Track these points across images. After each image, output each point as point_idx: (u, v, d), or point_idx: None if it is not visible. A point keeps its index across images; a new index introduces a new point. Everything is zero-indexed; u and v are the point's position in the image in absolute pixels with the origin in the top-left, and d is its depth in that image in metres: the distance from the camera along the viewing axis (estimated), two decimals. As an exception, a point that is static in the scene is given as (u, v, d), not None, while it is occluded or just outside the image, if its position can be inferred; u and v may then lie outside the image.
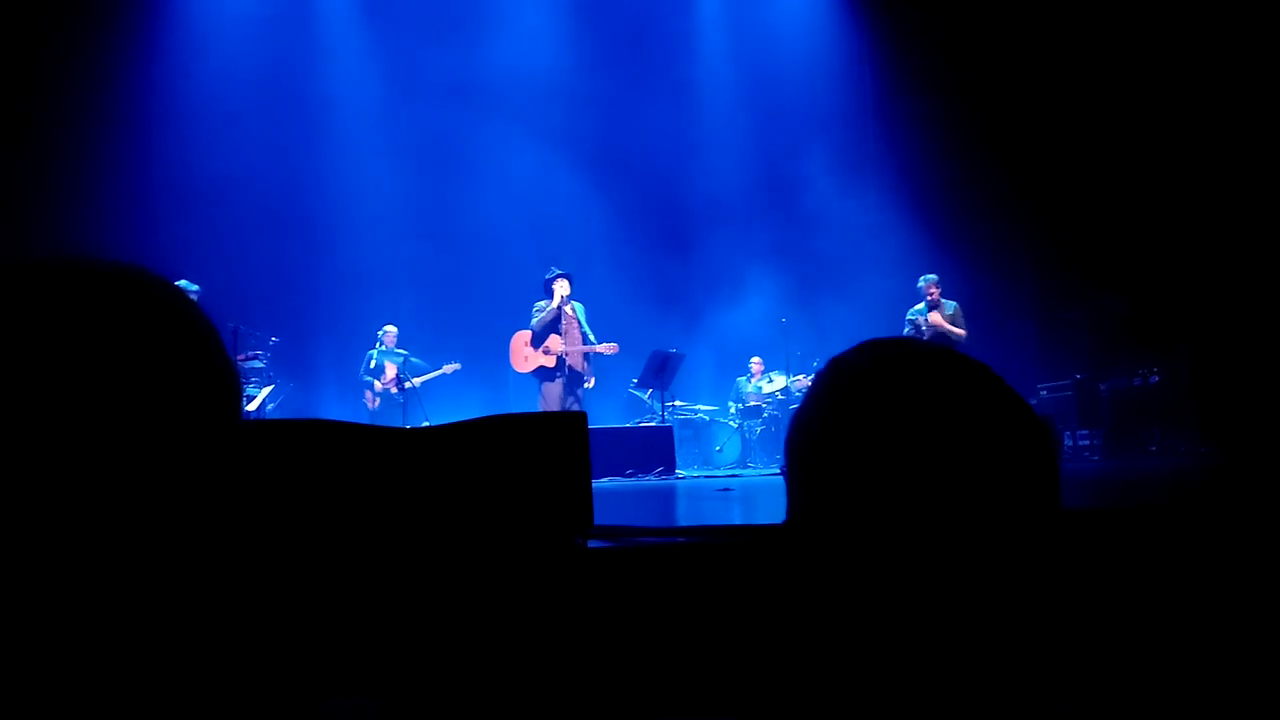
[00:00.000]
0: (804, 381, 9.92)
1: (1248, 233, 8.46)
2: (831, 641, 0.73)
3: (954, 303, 8.88)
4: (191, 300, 0.68)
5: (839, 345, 0.80)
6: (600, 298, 9.20)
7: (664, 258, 10.98)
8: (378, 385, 9.40)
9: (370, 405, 9.40)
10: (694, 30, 11.83)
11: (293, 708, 0.71)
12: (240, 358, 8.03)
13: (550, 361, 8.16)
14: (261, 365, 8.36)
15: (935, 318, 8.68)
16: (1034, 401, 9.27)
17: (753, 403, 10.34)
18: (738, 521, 2.73)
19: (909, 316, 8.88)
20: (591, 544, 2.12)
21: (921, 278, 8.94)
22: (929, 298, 8.77)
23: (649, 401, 9.80)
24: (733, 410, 10.50)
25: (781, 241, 10.91)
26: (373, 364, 9.49)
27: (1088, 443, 8.93)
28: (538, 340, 8.22)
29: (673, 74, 11.54)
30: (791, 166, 11.09)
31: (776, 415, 10.08)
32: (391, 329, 9.58)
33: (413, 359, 9.42)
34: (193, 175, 9.77)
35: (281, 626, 1.87)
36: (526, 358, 8.29)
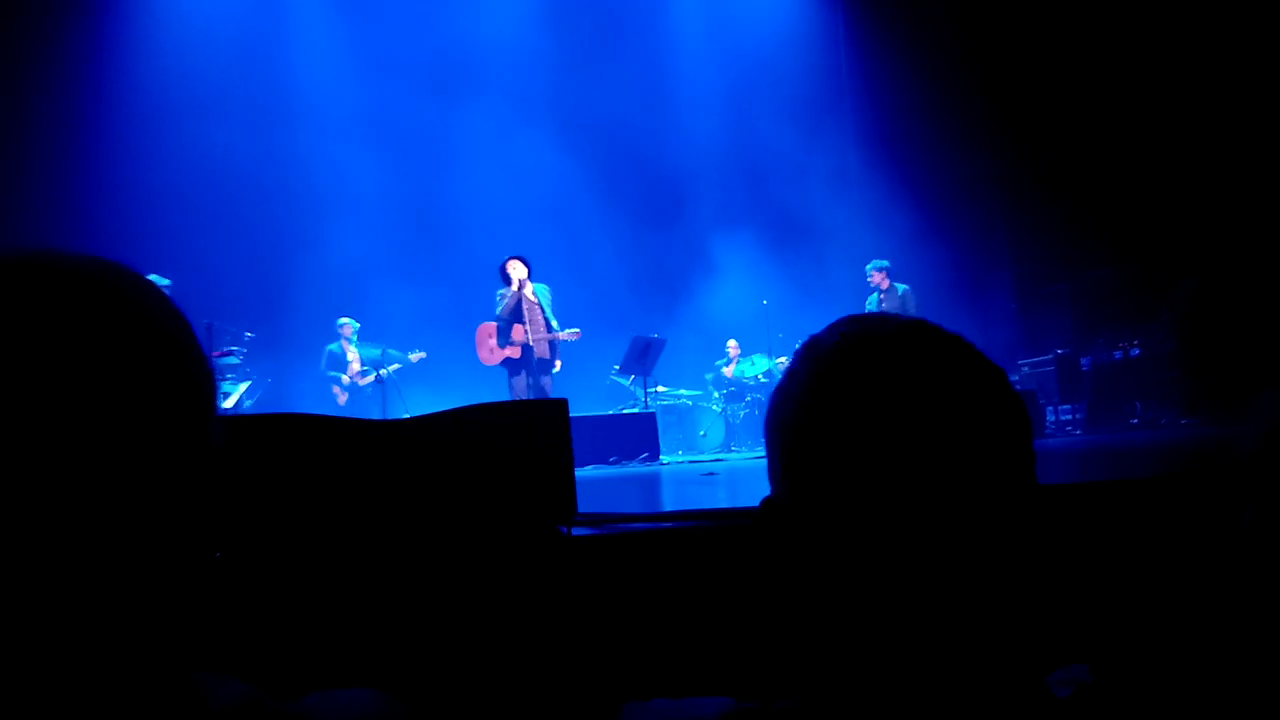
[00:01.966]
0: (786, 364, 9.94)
1: (1228, 203, 8.52)
2: (815, 619, 0.73)
3: (905, 286, 9.03)
4: (164, 294, 0.67)
5: (820, 324, 0.81)
6: (579, 283, 9.17)
7: (642, 242, 10.96)
8: (345, 379, 9.31)
9: (340, 400, 9.30)
10: (671, 9, 11.80)
11: (280, 700, 0.70)
12: (215, 354, 7.96)
13: (515, 352, 7.97)
14: (237, 361, 8.29)
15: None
16: (1016, 376, 9.36)
17: (732, 386, 10.36)
18: (723, 505, 2.72)
19: (867, 305, 9.05)
20: (576, 531, 2.11)
21: (869, 264, 9.08)
22: (877, 284, 8.95)
23: (631, 388, 9.80)
24: (715, 395, 10.51)
25: (761, 222, 10.92)
26: (348, 356, 9.41)
27: (1070, 417, 8.98)
28: (504, 331, 8.00)
29: (645, 54, 11.52)
30: (768, 144, 11.09)
31: (760, 398, 10.10)
32: (349, 321, 9.47)
33: (391, 350, 9.35)
34: (162, 167, 9.66)
35: (266, 621, 1.86)
36: (492, 350, 8.08)
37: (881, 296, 9.00)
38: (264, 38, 10.60)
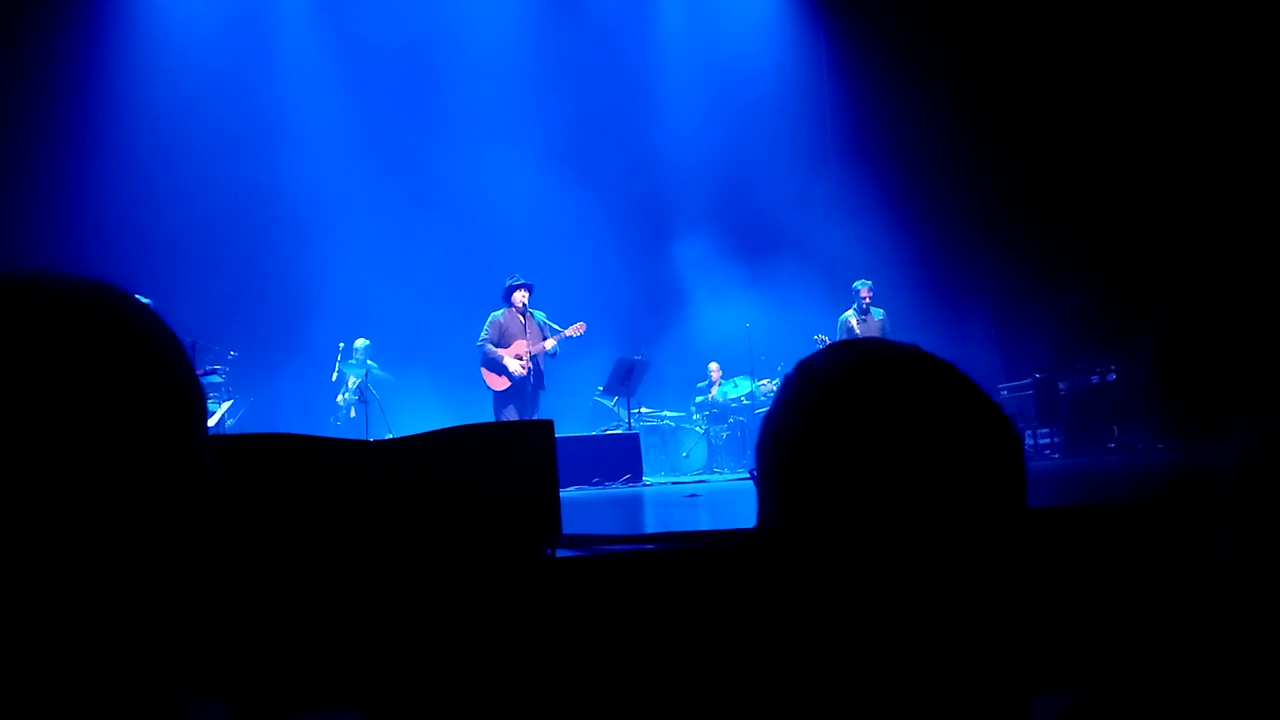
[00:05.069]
0: (769, 386, 9.99)
1: (1206, 229, 8.60)
2: (810, 646, 0.73)
3: (882, 311, 9.14)
4: (154, 313, 0.67)
5: (800, 347, 0.81)
6: (564, 304, 9.17)
7: (627, 264, 10.96)
8: (356, 397, 9.27)
9: (350, 415, 9.28)
10: (653, 31, 11.86)
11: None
12: (198, 373, 7.88)
13: (522, 370, 8.13)
14: (220, 380, 8.23)
15: (868, 325, 8.95)
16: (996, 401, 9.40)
17: (715, 408, 10.37)
18: (705, 527, 2.73)
19: (840, 320, 9.14)
20: (560, 553, 2.11)
21: (858, 281, 9.19)
22: (863, 301, 9.06)
23: (615, 409, 9.78)
24: (698, 416, 10.51)
25: (744, 246, 10.95)
26: (334, 376, 9.37)
27: (1048, 441, 9.04)
28: (494, 361, 8.16)
29: (631, 77, 11.55)
30: (752, 166, 11.14)
31: (742, 420, 10.11)
32: (361, 341, 9.45)
33: (375, 371, 9.31)
34: (146, 185, 9.58)
35: (249, 641, 1.84)
36: (500, 375, 8.25)
37: (862, 315, 9.06)
38: (246, 57, 10.53)
